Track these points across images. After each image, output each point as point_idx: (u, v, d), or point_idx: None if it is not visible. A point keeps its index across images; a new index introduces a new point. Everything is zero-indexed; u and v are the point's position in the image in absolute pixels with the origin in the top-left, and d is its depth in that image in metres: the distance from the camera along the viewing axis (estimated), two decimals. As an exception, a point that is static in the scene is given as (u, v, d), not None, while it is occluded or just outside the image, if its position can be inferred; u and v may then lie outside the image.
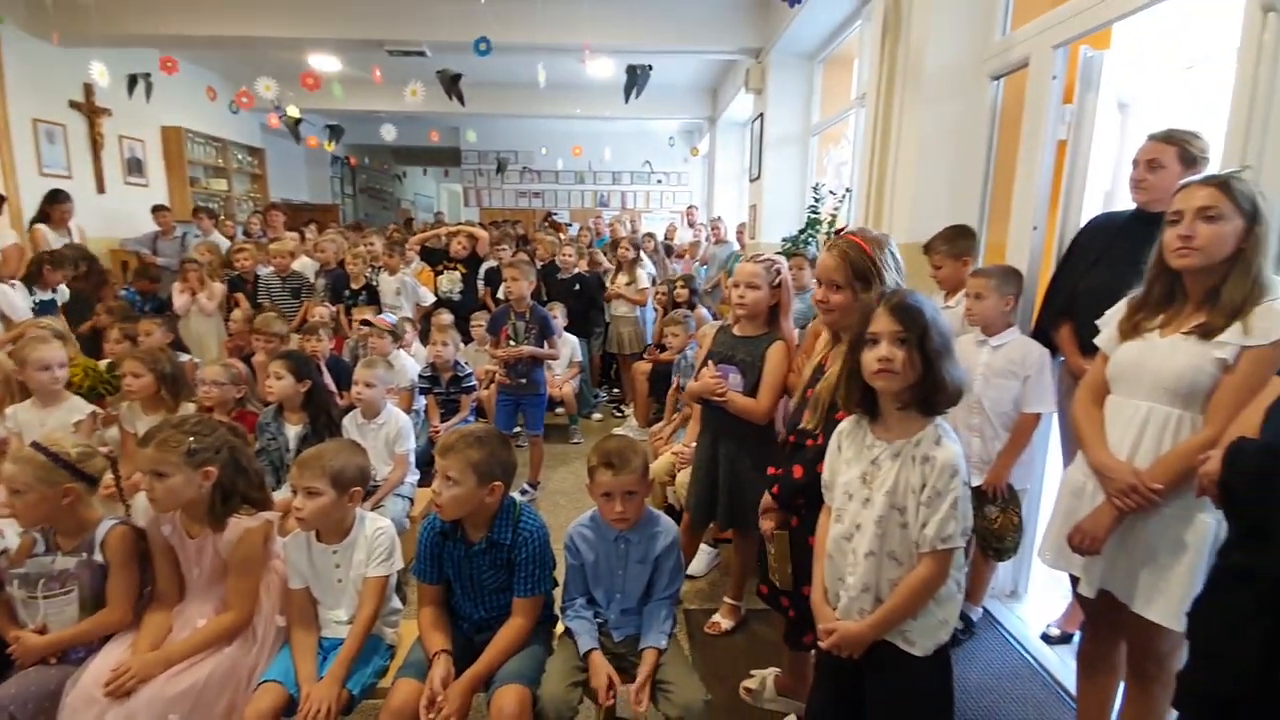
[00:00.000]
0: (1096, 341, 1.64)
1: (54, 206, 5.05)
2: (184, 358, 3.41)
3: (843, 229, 1.75)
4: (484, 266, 5.27)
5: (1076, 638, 2.37)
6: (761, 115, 5.94)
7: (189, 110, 7.46)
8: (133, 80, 5.43)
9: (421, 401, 3.74)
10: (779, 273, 2.21)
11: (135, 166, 6.94)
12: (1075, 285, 2.18)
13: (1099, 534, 1.51)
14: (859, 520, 1.37)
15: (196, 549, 1.68)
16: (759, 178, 6.08)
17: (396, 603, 1.87)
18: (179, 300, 4.64)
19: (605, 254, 6.07)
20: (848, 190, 4.74)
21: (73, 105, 6.11)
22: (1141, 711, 1.62)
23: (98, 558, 1.64)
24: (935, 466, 1.31)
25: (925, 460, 1.32)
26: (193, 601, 1.70)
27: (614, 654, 1.73)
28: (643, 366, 4.80)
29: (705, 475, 2.32)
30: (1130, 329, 1.55)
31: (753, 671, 2.19)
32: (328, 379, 2.94)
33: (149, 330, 3.52)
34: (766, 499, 1.76)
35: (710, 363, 2.28)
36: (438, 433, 3.54)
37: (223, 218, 7.04)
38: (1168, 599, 1.45)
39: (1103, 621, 1.69)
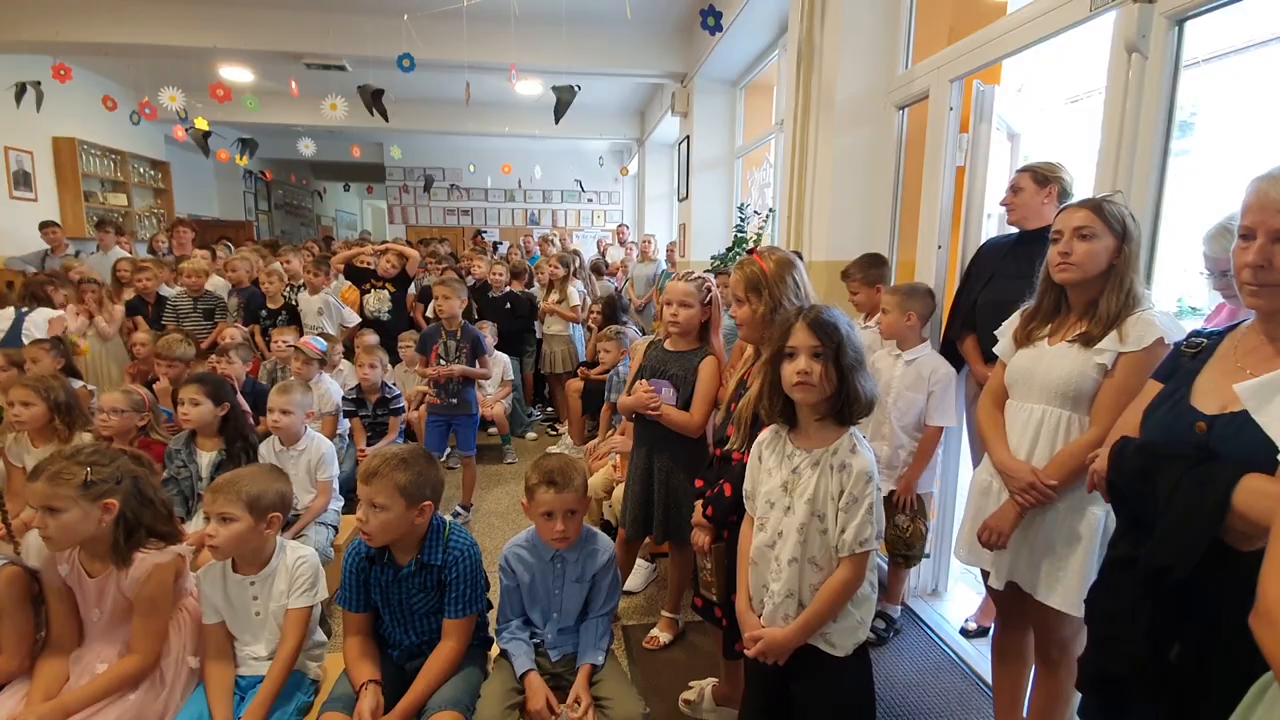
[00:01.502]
0: (995, 350, 1.77)
1: None
2: (77, 384, 3.16)
3: (754, 249, 1.83)
4: (415, 284, 5.15)
5: (992, 630, 2.52)
6: (688, 138, 6.11)
7: (84, 121, 6.97)
8: (21, 88, 5.03)
9: (346, 425, 3.60)
10: (709, 290, 2.28)
11: (22, 180, 6.41)
12: (974, 300, 2.35)
13: (1004, 529, 1.62)
14: (781, 528, 1.43)
15: (97, 589, 1.56)
16: (687, 198, 6.23)
17: (320, 635, 1.79)
18: (74, 323, 4.29)
19: (536, 273, 6.05)
20: (771, 210, 4.94)
21: (-51, 113, 5.60)
22: (1049, 695, 1.74)
23: (-21, 603, 1.50)
24: (852, 474, 1.38)
25: (843, 468, 1.39)
26: (92, 645, 1.57)
27: (551, 674, 1.71)
28: (575, 384, 4.80)
29: (640, 489, 2.34)
30: (1023, 338, 1.68)
31: (691, 683, 2.21)
32: (243, 403, 2.79)
33: (36, 356, 3.25)
34: (698, 514, 1.80)
35: (643, 379, 2.31)
36: (363, 454, 3.42)
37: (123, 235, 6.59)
38: (1066, 587, 1.57)
39: (1012, 612, 1.81)
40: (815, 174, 3.27)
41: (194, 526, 2.25)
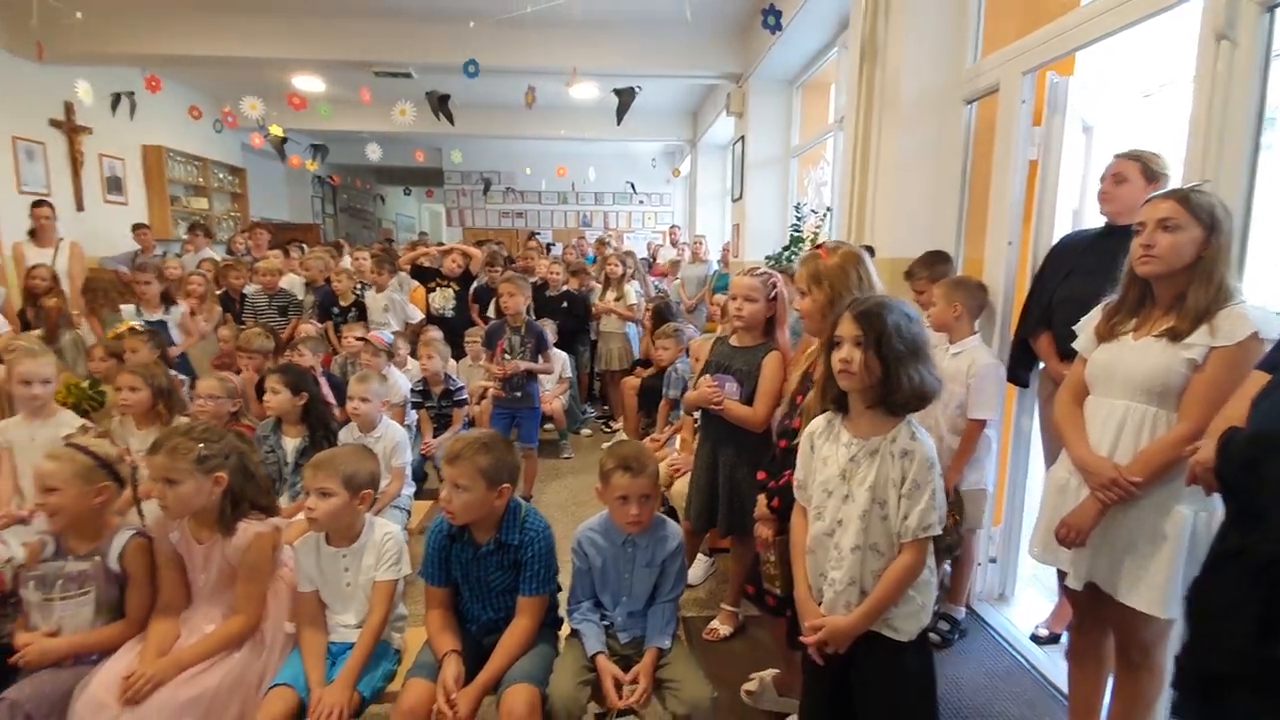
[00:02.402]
0: (1075, 345, 1.74)
1: (33, 213, 4.97)
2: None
3: (821, 244, 1.85)
4: (474, 284, 5.31)
5: (1064, 637, 2.45)
6: (743, 138, 6.11)
7: (170, 129, 7.43)
8: (116, 98, 5.41)
9: (414, 416, 3.74)
10: (775, 285, 2.30)
11: (115, 185, 6.88)
12: (1051, 296, 2.30)
13: (1084, 527, 1.59)
14: (840, 516, 1.44)
15: (204, 555, 1.68)
16: (741, 198, 6.23)
17: (402, 609, 1.88)
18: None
19: (592, 272, 6.15)
20: (828, 209, 4.90)
21: (53, 123, 6.06)
22: (1130, 700, 1.69)
23: (113, 564, 1.64)
24: (915, 460, 1.39)
25: (905, 454, 1.40)
26: (200, 608, 1.70)
27: (620, 656, 1.76)
28: (631, 382, 4.86)
29: (705, 483, 2.37)
30: (1106, 332, 1.65)
31: (752, 675, 2.23)
32: (326, 392, 2.95)
33: (134, 347, 3.49)
34: (762, 508, 1.82)
35: (707, 374, 2.35)
36: (429, 447, 3.56)
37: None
38: (1150, 587, 1.53)
39: (1089, 614, 1.77)
40: (878, 171, 3.24)
41: (282, 505, 2.39)
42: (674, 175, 10.03)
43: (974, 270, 2.79)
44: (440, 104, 4.91)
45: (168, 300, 4.47)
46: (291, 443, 2.67)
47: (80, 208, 6.38)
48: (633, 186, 10.86)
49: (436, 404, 3.77)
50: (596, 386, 6.05)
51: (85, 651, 1.61)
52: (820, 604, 1.48)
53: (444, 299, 4.91)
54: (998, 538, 2.80)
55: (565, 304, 5.32)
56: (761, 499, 1.82)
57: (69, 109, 6.16)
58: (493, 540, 1.70)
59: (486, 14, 4.79)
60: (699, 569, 2.97)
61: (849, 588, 1.43)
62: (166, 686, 1.52)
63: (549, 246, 9.91)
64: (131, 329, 3.76)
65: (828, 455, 1.47)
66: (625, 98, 4.37)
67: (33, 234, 4.99)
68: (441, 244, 6.99)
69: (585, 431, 5.34)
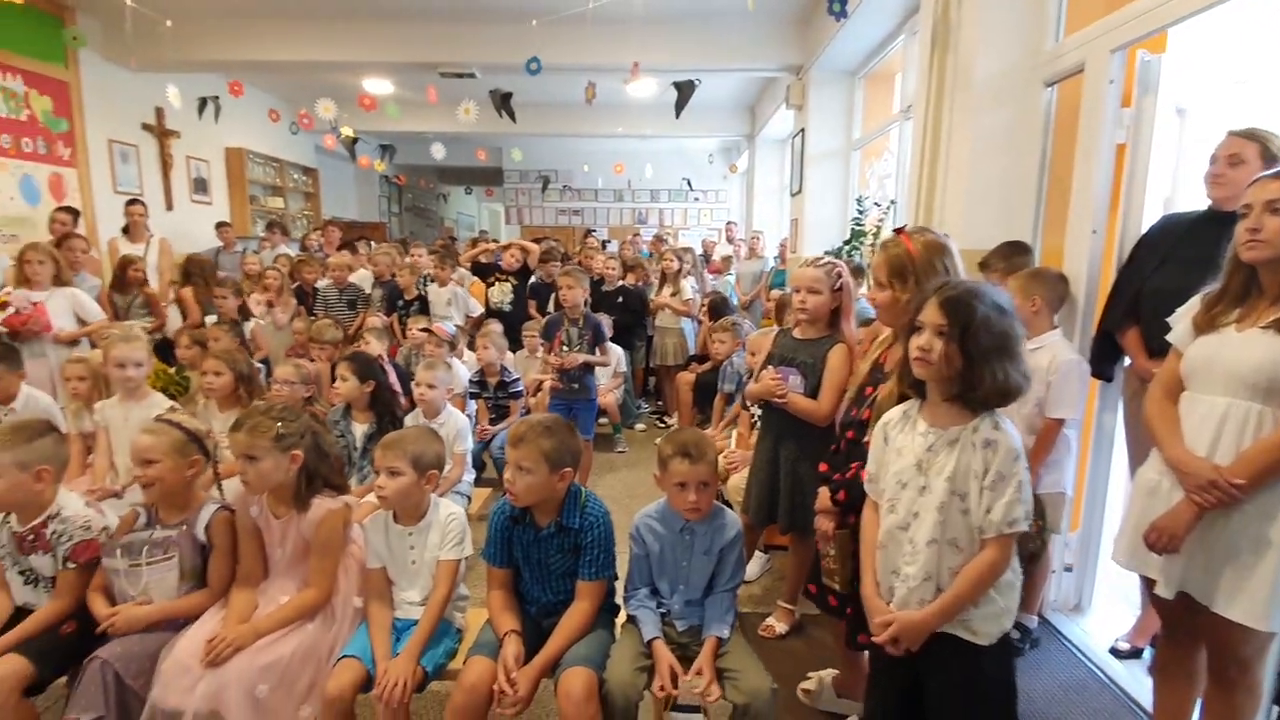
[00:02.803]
0: (1169, 338, 1.62)
1: (127, 210, 5.33)
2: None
3: (901, 228, 1.76)
4: (531, 280, 5.40)
5: (1147, 653, 2.31)
6: (802, 131, 6.00)
7: (250, 132, 7.84)
8: (203, 102, 5.73)
9: (472, 406, 3.83)
10: (840, 276, 2.24)
11: (201, 185, 7.31)
12: (1141, 286, 2.16)
13: (1178, 531, 1.48)
14: (916, 509, 1.37)
15: (281, 530, 1.76)
16: (800, 192, 6.12)
17: (464, 589, 1.92)
18: (257, 309, 4.84)
19: (648, 267, 6.16)
20: (892, 202, 4.76)
21: (145, 127, 6.48)
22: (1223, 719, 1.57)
23: (200, 535, 1.73)
24: (999, 451, 1.31)
25: (987, 444, 1.32)
26: (276, 580, 1.78)
27: (677, 644, 1.75)
28: (686, 377, 4.84)
29: (766, 477, 2.33)
30: (1206, 323, 1.53)
31: (810, 673, 2.19)
32: (393, 380, 3.05)
33: (216, 336, 3.69)
34: (824, 500, 1.78)
35: (770, 366, 2.31)
36: (485, 434, 3.64)
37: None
38: (1251, 598, 1.42)
39: (1180, 626, 1.65)
40: (949, 159, 3.12)
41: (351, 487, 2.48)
42: (731, 171, 9.94)
43: (1053, 261, 2.65)
44: (503, 102, 5.01)
45: (244, 313, 4.72)
46: (360, 428, 2.77)
47: (170, 207, 6.79)
48: (689, 183, 10.81)
49: (493, 395, 3.85)
50: (651, 382, 6.06)
51: (171, 617, 1.70)
52: (891, 601, 1.42)
53: (502, 293, 5.01)
54: (1074, 544, 2.66)
55: (621, 299, 5.33)
56: (824, 491, 1.77)
57: (159, 114, 6.57)
58: (554, 524, 1.72)
59: (548, 12, 4.85)
60: (754, 565, 2.93)
61: (924, 584, 1.36)
62: (245, 652, 1.60)
63: (604, 244, 9.99)
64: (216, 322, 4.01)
65: (902, 446, 1.41)
66: (685, 91, 4.36)
67: (126, 230, 5.34)
68: (497, 240, 7.14)
69: (639, 426, 5.35)
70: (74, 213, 4.94)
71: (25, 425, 1.73)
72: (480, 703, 1.58)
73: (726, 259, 7.46)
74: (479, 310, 5.20)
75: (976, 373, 1.29)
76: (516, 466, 1.65)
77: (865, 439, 1.64)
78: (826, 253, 5.11)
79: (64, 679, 1.71)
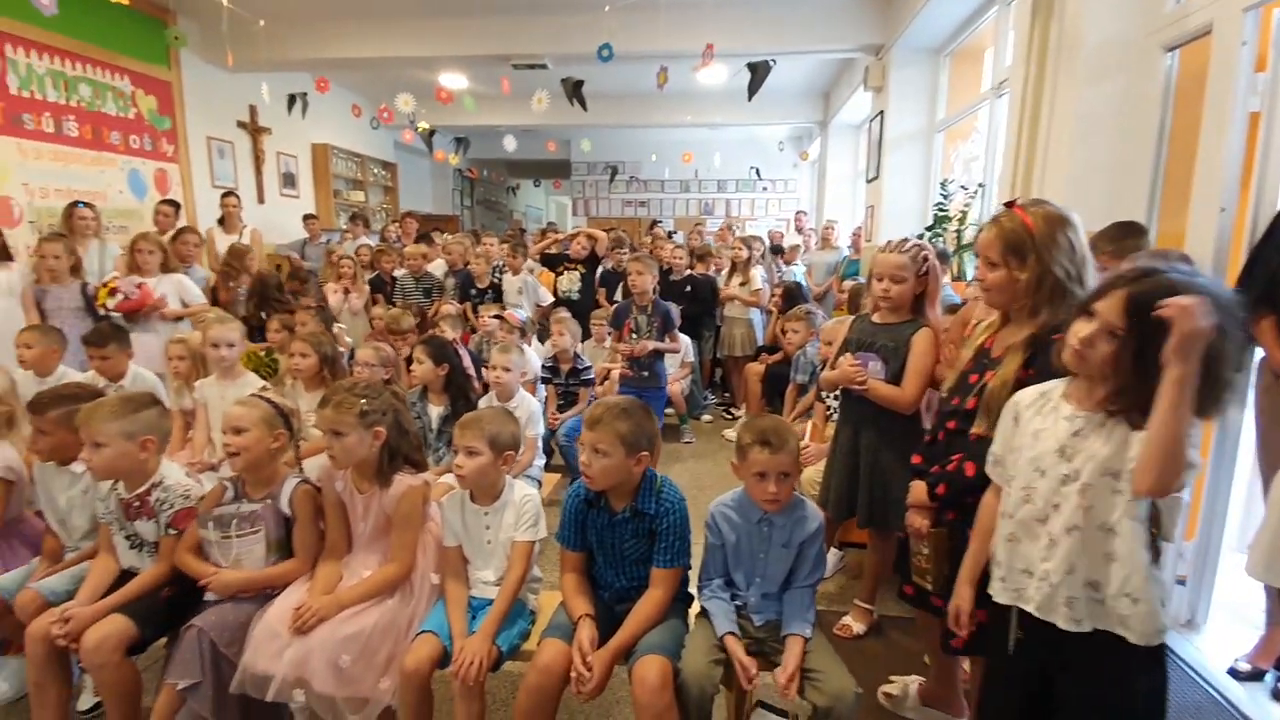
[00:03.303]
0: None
1: (223, 202, 5.64)
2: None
3: (1013, 201, 1.60)
4: (600, 268, 5.41)
5: (1270, 676, 2.09)
6: (881, 113, 5.74)
7: (334, 129, 8.19)
8: (292, 99, 6.01)
9: (542, 392, 3.86)
10: (925, 260, 2.11)
11: (289, 180, 7.69)
12: (1276, 269, 1.93)
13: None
14: (1056, 499, 1.22)
15: (364, 505, 1.80)
16: (877, 178, 5.87)
17: (537, 571, 1.92)
18: (333, 298, 5.05)
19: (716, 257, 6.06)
20: (980, 185, 4.49)
21: (239, 125, 6.86)
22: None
23: (283, 507, 1.80)
24: None
25: None
26: (358, 553, 1.83)
27: (754, 639, 1.69)
28: (756, 368, 4.74)
29: (845, 469, 2.23)
30: None
31: (892, 677, 2.08)
32: (467, 364, 3.10)
33: (304, 320, 3.86)
34: (919, 494, 1.67)
35: (848, 352, 2.20)
36: (555, 420, 3.65)
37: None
38: None
39: (1327, 647, 1.47)
40: (1049, 135, 2.90)
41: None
42: (802, 159, 9.67)
43: (1173, 243, 2.42)
44: (574, 90, 5.02)
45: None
46: (435, 410, 2.83)
47: (261, 200, 7.18)
48: (757, 172, 10.59)
49: (564, 381, 3.86)
50: (718, 374, 5.97)
51: (260, 586, 1.77)
52: (1032, 606, 1.23)
53: (570, 282, 5.03)
54: (1189, 554, 2.42)
55: (689, 288, 5.27)
56: (918, 485, 1.66)
57: (253, 111, 6.94)
58: (629, 508, 1.68)
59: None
60: (828, 562, 2.82)
61: (1067, 578, 1.20)
62: (329, 623, 1.64)
63: (670, 234, 9.92)
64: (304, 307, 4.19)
65: (1040, 429, 1.26)
66: (759, 72, 4.24)
67: (221, 221, 5.66)
68: (558, 232, 7.21)
69: (706, 417, 5.28)
70: (175, 205, 5.28)
71: (132, 398, 1.83)
72: (554, 684, 1.56)
73: (794, 249, 7.25)
74: (549, 299, 5.25)
75: (1145, 391, 1.08)
76: (592, 449, 1.62)
77: (971, 430, 1.53)
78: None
79: (163, 640, 1.81)
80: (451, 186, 12.00)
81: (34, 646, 1.70)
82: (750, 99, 4.50)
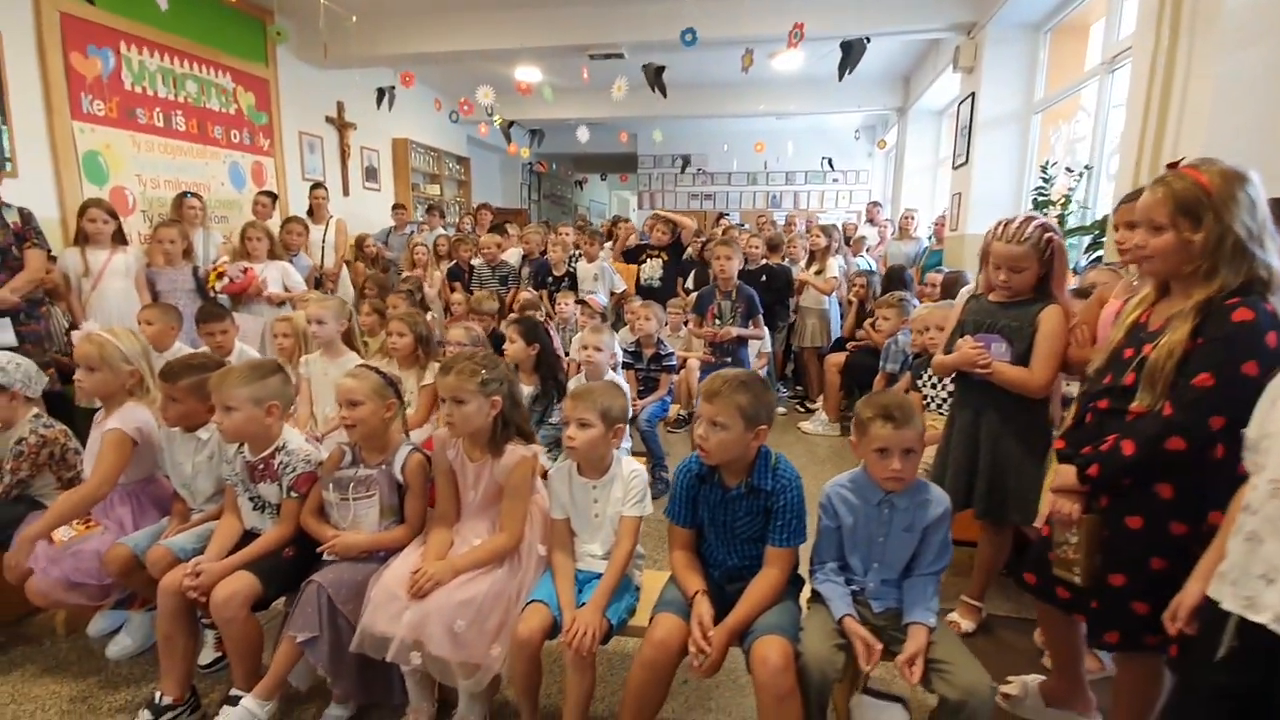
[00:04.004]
0: None
1: (312, 194, 5.88)
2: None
3: (1176, 162, 1.47)
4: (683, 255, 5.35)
5: None
6: (972, 95, 5.48)
7: (413, 123, 8.43)
8: (380, 93, 6.21)
9: (620, 376, 3.85)
10: (1050, 241, 1.96)
11: (371, 174, 7.96)
12: None
13: None
14: None
15: (475, 474, 1.82)
16: (966, 163, 5.61)
17: (641, 549, 1.90)
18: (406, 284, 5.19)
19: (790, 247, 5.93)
20: (1087, 168, 4.23)
21: (328, 120, 7.13)
22: None
23: (397, 474, 1.83)
24: None
25: None
26: (468, 522, 1.84)
27: (872, 626, 1.60)
28: (835, 358, 4.60)
29: (963, 456, 2.10)
30: None
31: (1010, 677, 1.96)
32: (557, 344, 3.12)
33: (396, 304, 3.97)
34: (1068, 477, 1.55)
35: (966, 335, 2.08)
36: (637, 405, 3.63)
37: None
38: None
39: None
40: (1184, 109, 2.68)
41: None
42: (879, 147, 9.37)
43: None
44: (656, 76, 4.99)
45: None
46: (525, 390, 2.83)
47: (346, 193, 7.45)
48: (830, 163, 10.31)
49: (646, 367, 3.84)
50: (789, 366, 5.84)
51: (377, 548, 1.82)
52: (1267, 617, 1.05)
53: (652, 269, 5.00)
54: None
55: (764, 277, 5.16)
56: (1067, 469, 1.55)
57: (340, 107, 7.21)
58: (744, 484, 1.63)
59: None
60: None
61: None
62: (443, 588, 1.66)
63: (739, 227, 9.79)
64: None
65: None
66: (854, 51, 4.11)
67: (310, 212, 5.90)
68: (625, 223, 7.21)
69: (780, 410, 5.16)
70: (273, 196, 5.53)
71: (259, 365, 1.90)
72: (669, 658, 1.53)
73: (860, 240, 7.00)
74: (623, 286, 5.24)
75: None
76: (710, 422, 1.58)
77: (1131, 406, 1.41)
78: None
79: (283, 599, 1.88)
80: (520, 181, 12.19)
81: (166, 600, 1.78)
82: (841, 79, 4.36)
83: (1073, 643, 1.79)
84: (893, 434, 1.55)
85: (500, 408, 1.77)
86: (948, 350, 2.14)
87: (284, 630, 1.72)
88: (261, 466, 1.88)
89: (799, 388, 5.66)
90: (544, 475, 1.93)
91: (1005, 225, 1.99)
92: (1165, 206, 1.38)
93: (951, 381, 2.41)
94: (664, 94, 5.20)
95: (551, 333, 3.26)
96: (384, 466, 1.84)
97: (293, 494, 1.86)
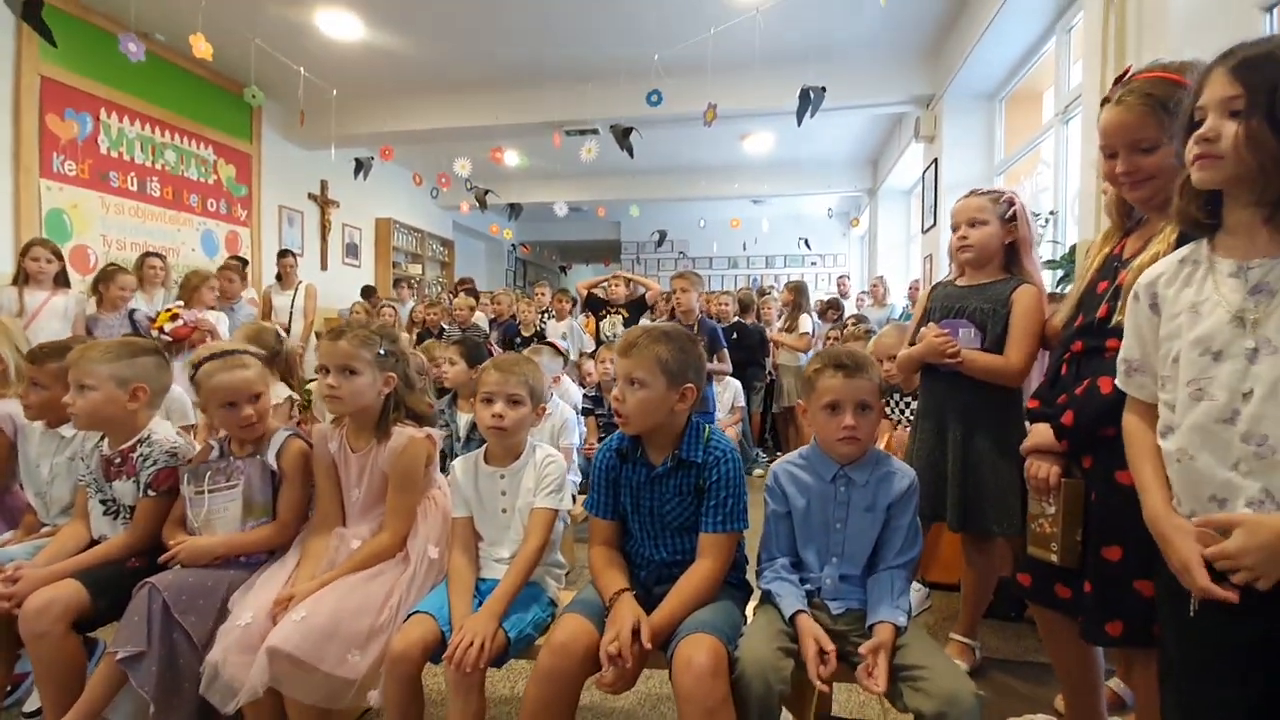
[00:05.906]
0: None
1: (280, 261, 5.82)
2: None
3: (1124, 72, 1.33)
4: (644, 316, 5.26)
5: None
6: (935, 161, 5.62)
7: (397, 204, 8.60)
8: (358, 164, 6.33)
9: (582, 425, 3.60)
10: (1010, 204, 1.83)
11: (352, 250, 8.01)
12: None
13: None
14: (1245, 385, 0.89)
15: (359, 466, 1.55)
16: (934, 225, 5.66)
17: (560, 557, 1.60)
18: None
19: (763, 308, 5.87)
20: (1052, 213, 4.24)
21: (310, 196, 7.25)
22: None
23: (270, 461, 1.57)
24: None
25: None
26: (352, 524, 1.55)
27: (832, 632, 1.29)
28: (813, 413, 4.38)
29: (927, 467, 1.81)
30: None
31: (1011, 718, 1.61)
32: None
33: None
34: (1042, 435, 1.32)
35: (930, 323, 1.88)
36: (592, 449, 3.37)
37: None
38: None
39: None
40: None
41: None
42: (853, 225, 9.62)
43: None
44: (623, 136, 5.12)
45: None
46: (464, 417, 2.60)
47: (324, 267, 7.45)
48: (806, 243, 10.56)
49: (607, 412, 3.61)
50: (767, 428, 5.61)
51: (235, 552, 1.52)
52: (1232, 571, 0.86)
53: (612, 325, 4.90)
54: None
55: (736, 335, 5.03)
56: (1040, 428, 1.31)
57: (324, 186, 7.35)
58: (671, 458, 1.38)
59: (670, 60, 4.94)
60: (912, 600, 2.35)
61: (1269, 502, 0.86)
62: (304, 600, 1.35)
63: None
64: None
65: (1198, 301, 0.95)
66: (815, 98, 4.21)
67: (279, 279, 5.82)
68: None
69: (757, 472, 4.87)
70: (243, 261, 5.48)
71: (130, 343, 1.69)
72: (572, 669, 1.21)
73: (832, 303, 6.97)
74: (592, 346, 5.10)
75: None
76: (627, 380, 1.34)
77: (1107, 344, 1.20)
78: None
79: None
80: (505, 266, 12.36)
81: (-29, 615, 1.46)
82: (799, 124, 4.44)
83: (1086, 665, 1.46)
84: (844, 383, 1.32)
85: (394, 386, 1.53)
86: (913, 342, 1.94)
87: (110, 646, 1.39)
88: (119, 460, 1.61)
89: (779, 453, 5.38)
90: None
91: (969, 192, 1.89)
92: (1152, 118, 1.19)
93: (913, 398, 2.20)
94: (630, 154, 5.31)
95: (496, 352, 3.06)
96: (255, 456, 1.58)
97: (150, 492, 1.58)
